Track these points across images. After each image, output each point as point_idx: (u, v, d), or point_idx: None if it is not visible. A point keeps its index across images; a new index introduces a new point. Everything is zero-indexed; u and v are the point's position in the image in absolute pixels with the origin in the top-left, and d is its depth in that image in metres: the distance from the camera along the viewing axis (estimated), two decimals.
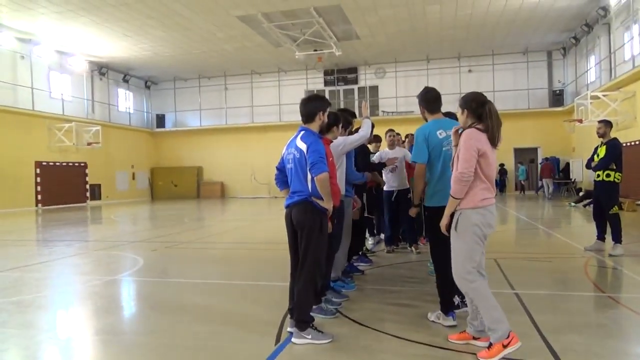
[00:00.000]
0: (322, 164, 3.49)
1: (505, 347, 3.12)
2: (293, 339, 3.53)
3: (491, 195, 3.30)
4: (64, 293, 5.57)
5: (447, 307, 3.87)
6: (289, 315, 3.77)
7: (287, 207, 3.74)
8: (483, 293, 3.22)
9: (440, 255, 3.91)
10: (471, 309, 3.41)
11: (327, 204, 3.60)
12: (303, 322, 3.54)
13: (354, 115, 5.43)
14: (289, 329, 3.71)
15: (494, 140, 3.26)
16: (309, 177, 3.56)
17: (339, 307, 4.37)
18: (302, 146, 3.58)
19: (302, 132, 3.70)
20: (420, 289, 5.08)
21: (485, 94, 3.46)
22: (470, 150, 3.19)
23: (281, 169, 3.90)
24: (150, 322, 4.33)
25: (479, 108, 3.29)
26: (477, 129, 3.27)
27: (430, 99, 4.09)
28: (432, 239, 4.11)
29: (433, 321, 3.89)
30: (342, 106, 26.31)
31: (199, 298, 5.07)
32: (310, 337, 3.49)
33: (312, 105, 3.74)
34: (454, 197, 3.26)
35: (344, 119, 4.76)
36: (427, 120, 4.10)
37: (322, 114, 3.73)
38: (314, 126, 3.73)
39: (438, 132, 3.91)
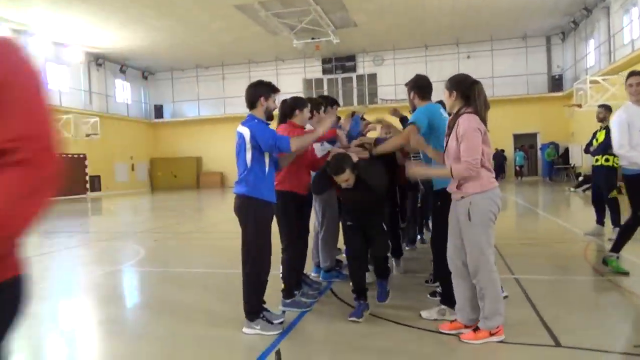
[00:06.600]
0: (281, 139, 3.45)
1: (491, 335, 3.18)
2: (244, 329, 3.53)
3: (494, 176, 3.28)
4: (66, 284, 5.60)
5: (454, 300, 3.54)
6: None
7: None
8: (497, 284, 3.22)
9: (444, 245, 3.58)
10: (463, 298, 3.37)
11: (317, 135, 3.68)
12: (251, 312, 3.53)
13: (332, 100, 5.13)
14: (281, 307, 3.92)
15: (483, 122, 3.21)
16: (248, 160, 3.50)
17: (315, 300, 4.27)
18: (243, 130, 3.51)
19: (246, 118, 3.64)
20: (417, 278, 5.09)
21: (483, 79, 3.42)
22: (476, 138, 3.10)
23: None
24: (153, 311, 4.36)
25: (468, 89, 3.23)
26: (469, 113, 3.19)
27: (422, 85, 3.99)
28: (437, 227, 3.85)
29: (436, 319, 3.60)
30: (340, 94, 26.29)
31: (202, 287, 5.10)
32: (259, 327, 3.49)
33: (252, 91, 3.64)
34: (452, 176, 3.18)
35: (314, 102, 4.58)
36: (415, 107, 3.99)
37: (263, 99, 3.61)
38: (258, 112, 3.62)
39: (441, 111, 3.84)
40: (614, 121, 4.86)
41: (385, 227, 3.97)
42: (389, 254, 4.04)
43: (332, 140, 4.35)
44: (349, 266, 4.10)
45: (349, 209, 4.01)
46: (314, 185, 4.00)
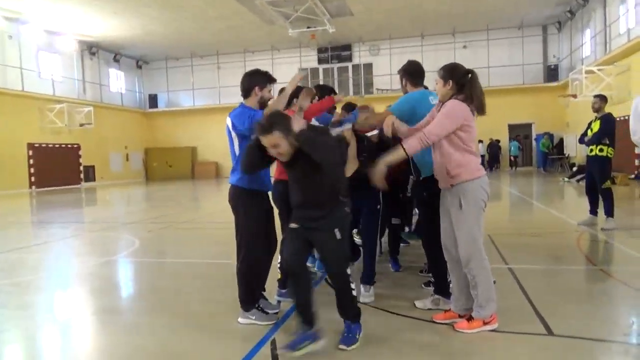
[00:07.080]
0: (256, 115, 3.32)
1: (485, 324, 3.21)
2: (239, 319, 3.54)
3: (480, 163, 3.30)
4: (62, 274, 5.59)
5: (447, 290, 3.62)
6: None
7: None
8: (488, 272, 3.24)
9: (435, 234, 3.55)
10: (458, 288, 3.40)
11: (287, 93, 3.53)
12: (246, 302, 3.54)
13: (330, 90, 5.15)
14: (276, 297, 3.86)
15: (481, 109, 3.19)
16: (237, 149, 3.49)
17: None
18: (228, 120, 3.49)
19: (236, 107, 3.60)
20: (411, 268, 5.11)
21: (479, 69, 3.40)
22: (451, 121, 3.10)
23: None
24: (148, 302, 4.36)
25: (462, 77, 3.21)
26: (460, 99, 3.18)
27: (413, 72, 3.93)
28: (426, 214, 3.81)
29: (430, 309, 3.64)
30: (336, 84, 26.18)
31: (196, 278, 5.11)
32: (254, 317, 3.49)
33: (247, 79, 3.58)
34: (405, 152, 3.14)
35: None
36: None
37: (258, 89, 3.54)
38: (251, 102, 3.55)
39: (430, 98, 3.73)
40: (632, 110, 4.86)
41: (339, 234, 3.01)
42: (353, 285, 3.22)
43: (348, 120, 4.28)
44: (289, 285, 3.46)
45: (295, 201, 3.16)
46: (242, 158, 3.25)
